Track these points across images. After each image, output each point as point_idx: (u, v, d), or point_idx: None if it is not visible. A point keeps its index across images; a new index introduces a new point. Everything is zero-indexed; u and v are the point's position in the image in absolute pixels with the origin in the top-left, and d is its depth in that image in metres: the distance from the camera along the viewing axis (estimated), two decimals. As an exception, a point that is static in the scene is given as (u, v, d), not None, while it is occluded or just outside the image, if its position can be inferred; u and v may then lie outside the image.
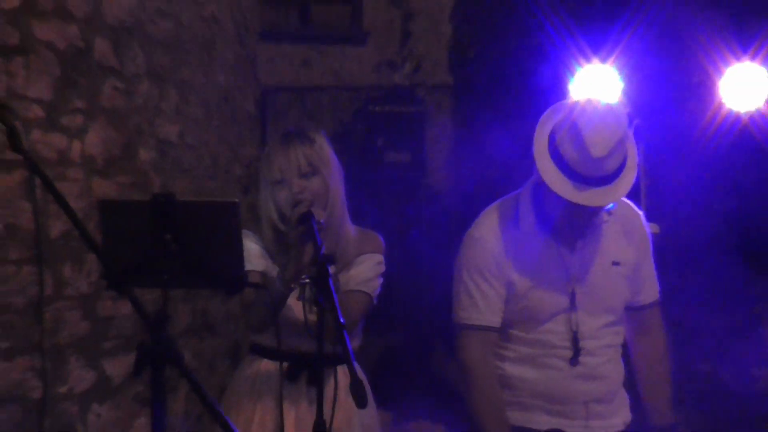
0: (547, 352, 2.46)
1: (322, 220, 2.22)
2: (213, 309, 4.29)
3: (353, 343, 2.22)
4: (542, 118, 2.40)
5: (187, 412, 3.76)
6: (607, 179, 2.28)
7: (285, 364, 2.34)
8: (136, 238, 1.72)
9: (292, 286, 2.22)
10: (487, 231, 2.48)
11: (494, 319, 2.46)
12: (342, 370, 2.10)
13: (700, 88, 3.99)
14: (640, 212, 2.60)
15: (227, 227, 1.74)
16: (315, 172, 2.35)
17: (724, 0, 4.33)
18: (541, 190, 2.39)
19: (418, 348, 5.26)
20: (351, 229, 2.46)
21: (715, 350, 4.48)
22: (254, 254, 2.36)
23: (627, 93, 3.50)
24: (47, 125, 2.89)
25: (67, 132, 3.00)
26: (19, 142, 1.68)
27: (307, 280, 2.08)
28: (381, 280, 2.46)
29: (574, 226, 2.42)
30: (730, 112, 3.73)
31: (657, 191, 4.02)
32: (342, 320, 1.84)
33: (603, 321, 2.48)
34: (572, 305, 2.43)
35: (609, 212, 2.42)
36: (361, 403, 1.78)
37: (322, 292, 1.95)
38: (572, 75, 3.51)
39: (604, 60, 3.55)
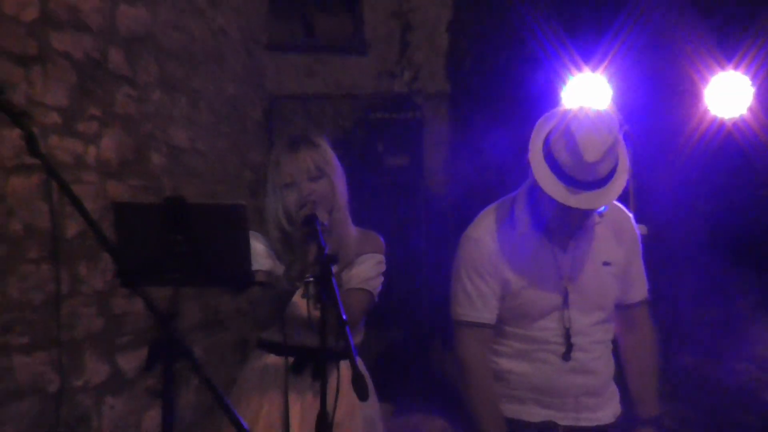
0: (541, 348, 2.47)
1: (325, 222, 2.24)
2: (223, 306, 4.29)
3: (355, 339, 2.23)
4: (537, 124, 2.40)
5: (197, 404, 3.77)
6: (599, 183, 2.28)
7: (290, 359, 2.37)
8: (148, 239, 1.74)
9: (297, 284, 2.23)
10: (484, 232, 2.49)
11: (490, 317, 2.48)
12: (345, 365, 2.11)
13: (686, 96, 4.02)
14: (630, 214, 2.61)
15: (235, 229, 1.75)
16: (322, 175, 2.38)
17: (709, 12, 4.35)
18: (535, 192, 2.40)
19: (417, 344, 5.27)
20: (353, 230, 2.48)
21: (702, 347, 4.49)
22: (261, 254, 2.37)
23: (616, 100, 3.54)
24: (64, 131, 2.93)
25: (83, 137, 3.04)
26: (37, 147, 1.70)
27: (311, 279, 2.11)
28: (382, 279, 2.48)
29: (566, 228, 2.44)
30: (714, 119, 3.78)
31: (645, 194, 4.01)
32: (344, 317, 1.87)
33: (594, 318, 2.49)
34: (565, 303, 2.45)
35: (600, 214, 2.43)
36: (362, 395, 1.80)
37: (325, 290, 1.97)
38: (564, 83, 3.55)
39: (594, 69, 3.60)
